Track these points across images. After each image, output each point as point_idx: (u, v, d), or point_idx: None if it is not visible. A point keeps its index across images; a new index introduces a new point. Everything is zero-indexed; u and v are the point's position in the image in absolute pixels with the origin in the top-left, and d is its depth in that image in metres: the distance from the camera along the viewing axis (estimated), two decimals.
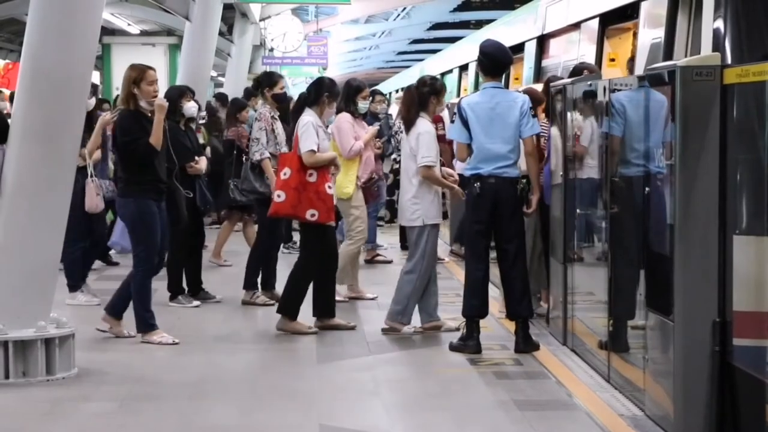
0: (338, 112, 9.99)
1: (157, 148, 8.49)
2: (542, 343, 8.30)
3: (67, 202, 7.75)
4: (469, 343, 8.17)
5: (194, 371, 7.72)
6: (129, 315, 8.68)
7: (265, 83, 10.74)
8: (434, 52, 33.65)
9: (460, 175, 8.92)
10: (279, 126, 10.35)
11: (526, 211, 8.29)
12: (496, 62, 8.36)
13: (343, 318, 9.14)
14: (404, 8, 37.18)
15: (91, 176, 9.99)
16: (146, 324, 8.56)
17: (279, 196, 8.86)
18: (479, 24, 36.51)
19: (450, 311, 8.92)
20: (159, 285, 11.14)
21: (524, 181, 8.26)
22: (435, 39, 45.25)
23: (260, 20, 24.89)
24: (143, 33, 23.35)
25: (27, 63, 7.49)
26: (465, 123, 8.23)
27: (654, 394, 6.30)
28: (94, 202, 10.02)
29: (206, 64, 16.44)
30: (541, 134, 8.69)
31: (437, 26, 43.32)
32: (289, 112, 10.52)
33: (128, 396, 7.06)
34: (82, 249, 10.26)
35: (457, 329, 8.47)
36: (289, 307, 8.90)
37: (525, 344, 8.17)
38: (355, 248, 10.35)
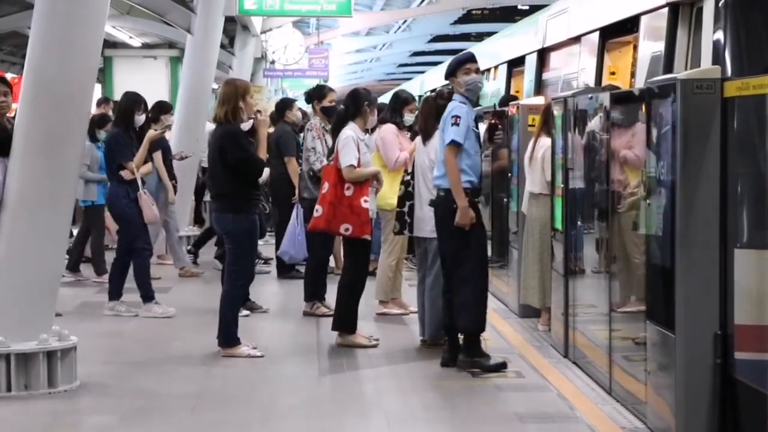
0: (383, 123, 9.94)
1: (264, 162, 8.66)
2: (544, 356, 8.30)
3: (69, 215, 7.77)
4: (443, 356, 8.11)
5: (196, 384, 7.72)
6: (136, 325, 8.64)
7: (315, 96, 10.82)
8: (435, 64, 33.67)
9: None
10: (329, 138, 10.39)
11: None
12: None
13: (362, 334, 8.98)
14: (405, 21, 37.25)
15: (142, 188, 10.16)
16: (234, 338, 8.50)
17: (317, 210, 8.82)
18: (480, 36, 36.54)
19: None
20: (161, 297, 11.17)
21: (442, 194, 8.05)
22: (436, 51, 45.33)
23: (261, 33, 24.89)
24: (145, 46, 23.33)
25: (29, 76, 7.51)
26: None
27: (656, 406, 6.30)
28: (152, 213, 10.19)
29: (208, 77, 16.45)
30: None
31: (438, 38, 43.37)
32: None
33: (130, 409, 7.06)
34: (145, 258, 10.30)
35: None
36: (344, 322, 8.85)
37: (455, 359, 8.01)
38: (393, 259, 10.22)
